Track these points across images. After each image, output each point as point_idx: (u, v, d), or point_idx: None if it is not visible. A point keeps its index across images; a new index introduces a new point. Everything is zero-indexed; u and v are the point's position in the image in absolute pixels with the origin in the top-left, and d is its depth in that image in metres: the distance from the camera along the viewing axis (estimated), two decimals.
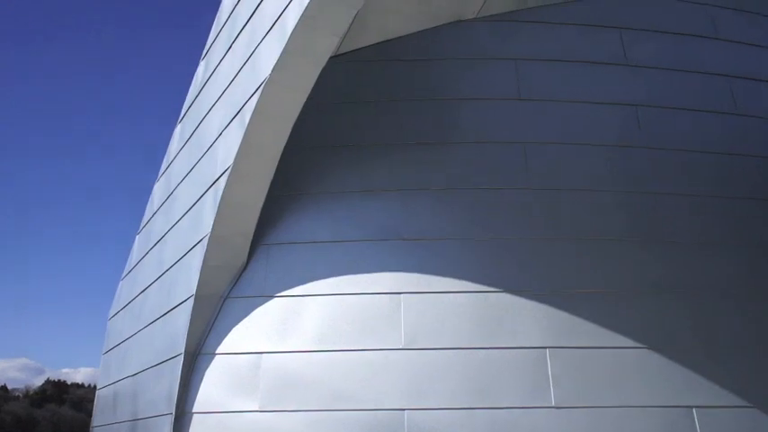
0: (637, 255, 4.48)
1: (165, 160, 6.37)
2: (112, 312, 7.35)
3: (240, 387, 4.18)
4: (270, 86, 4.07)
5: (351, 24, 4.58)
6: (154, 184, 6.62)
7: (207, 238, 4.46)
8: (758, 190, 4.94)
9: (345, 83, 4.94)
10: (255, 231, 4.54)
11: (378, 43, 5.03)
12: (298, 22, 3.84)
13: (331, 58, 4.76)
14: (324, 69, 4.19)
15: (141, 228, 6.87)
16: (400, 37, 5.06)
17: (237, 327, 4.41)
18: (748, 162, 5.04)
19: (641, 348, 4.15)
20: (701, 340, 4.25)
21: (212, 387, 4.29)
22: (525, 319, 4.18)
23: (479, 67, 5.01)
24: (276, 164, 4.40)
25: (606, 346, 4.14)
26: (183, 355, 4.39)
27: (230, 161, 4.32)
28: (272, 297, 4.39)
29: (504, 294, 4.24)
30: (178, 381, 4.34)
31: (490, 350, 4.10)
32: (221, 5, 5.59)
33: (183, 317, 4.58)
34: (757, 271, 4.62)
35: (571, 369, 4.06)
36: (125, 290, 7.00)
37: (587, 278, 4.35)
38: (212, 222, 4.43)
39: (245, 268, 4.55)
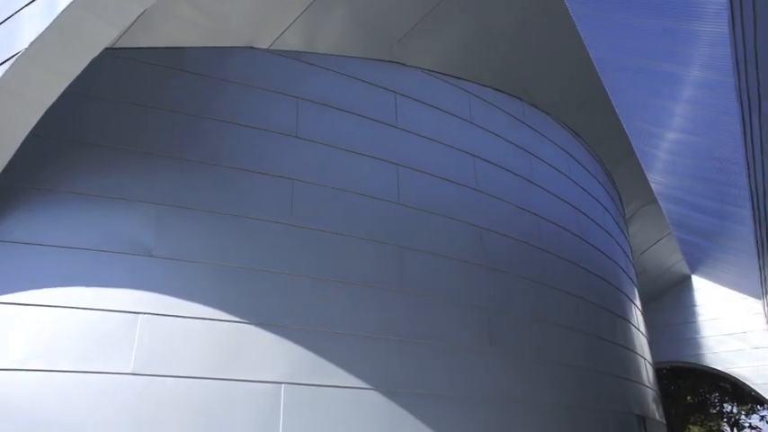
0: (384, 301, 4.84)
1: None
2: None
3: None
4: (23, 62, 3.56)
5: (136, 20, 4.28)
6: None
7: None
8: (486, 257, 5.73)
9: (119, 80, 4.55)
10: None
11: (165, 48, 4.76)
12: (73, 1, 3.46)
13: (109, 50, 4.38)
14: (97, 61, 3.82)
15: None
16: (189, 48, 4.87)
17: None
18: (480, 232, 5.84)
19: (369, 390, 4.44)
20: (421, 387, 4.72)
21: None
22: (266, 352, 4.19)
23: (263, 98, 5.04)
24: (14, 150, 3.82)
25: (339, 385, 4.35)
26: None
27: None
28: None
29: (248, 326, 4.21)
30: None
31: (226, 381, 4.01)
32: None
33: None
34: (481, 328, 5.31)
35: (303, 406, 4.16)
36: None
37: (334, 318, 4.54)
38: None
39: None
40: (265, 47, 5.20)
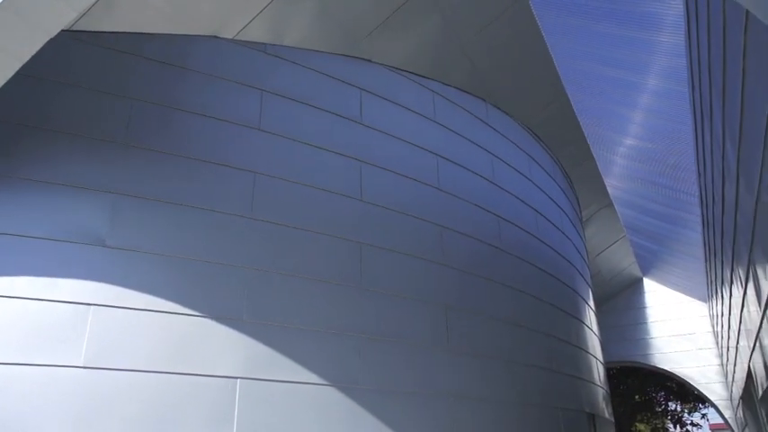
0: (343, 298, 4.82)
1: None
2: None
3: None
4: None
5: (96, 2, 4.16)
6: None
7: None
8: (445, 256, 5.78)
9: (76, 64, 4.41)
10: None
11: (127, 33, 4.63)
12: None
13: (66, 32, 4.25)
14: (53, 42, 3.68)
15: None
16: (153, 35, 4.75)
17: None
18: (441, 231, 5.88)
19: (327, 386, 4.43)
20: (378, 383, 4.73)
21: None
22: (222, 346, 4.14)
23: (226, 89, 4.95)
24: None
25: (296, 380, 4.32)
26: None
27: None
28: None
29: (204, 319, 4.14)
30: None
31: (180, 375, 3.94)
32: None
33: None
34: (440, 326, 5.36)
35: (258, 401, 4.12)
36: None
37: (292, 313, 4.51)
38: None
39: None
40: (230, 37, 5.12)
